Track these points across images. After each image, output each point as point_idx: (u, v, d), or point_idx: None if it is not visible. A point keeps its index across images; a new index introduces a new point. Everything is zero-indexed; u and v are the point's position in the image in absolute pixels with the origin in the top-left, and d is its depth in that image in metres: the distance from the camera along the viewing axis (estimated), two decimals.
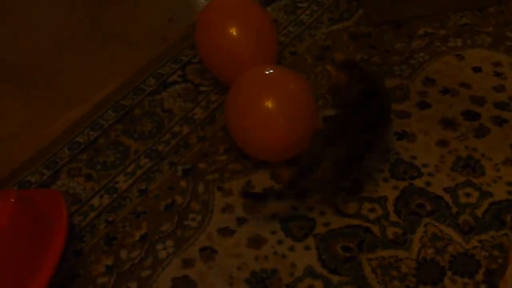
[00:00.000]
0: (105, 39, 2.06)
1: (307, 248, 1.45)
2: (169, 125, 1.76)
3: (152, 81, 1.88)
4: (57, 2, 2.23)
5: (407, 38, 1.96)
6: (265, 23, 1.81)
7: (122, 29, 2.10)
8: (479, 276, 1.38)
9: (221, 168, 1.63)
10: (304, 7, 2.12)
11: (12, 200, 1.31)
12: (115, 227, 1.52)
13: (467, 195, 1.53)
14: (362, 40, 1.97)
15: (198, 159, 1.66)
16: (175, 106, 1.81)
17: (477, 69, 1.85)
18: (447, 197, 1.52)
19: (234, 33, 1.73)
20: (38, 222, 1.36)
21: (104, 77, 1.90)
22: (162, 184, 1.61)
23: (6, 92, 1.89)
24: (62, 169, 1.66)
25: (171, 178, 1.62)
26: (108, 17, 2.16)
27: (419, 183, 1.56)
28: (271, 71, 1.65)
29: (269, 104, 1.56)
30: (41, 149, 1.71)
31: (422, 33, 1.98)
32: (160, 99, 1.83)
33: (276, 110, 1.56)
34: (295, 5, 2.13)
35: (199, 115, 1.77)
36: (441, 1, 2.03)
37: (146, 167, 1.65)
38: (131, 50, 2.00)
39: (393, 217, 1.50)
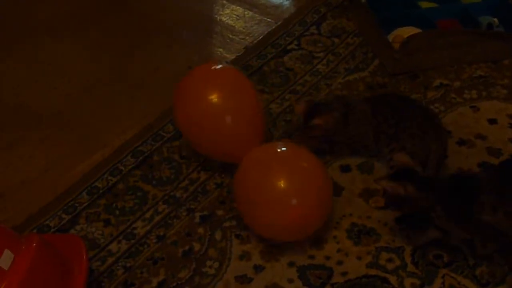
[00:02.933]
0: (125, 86, 2.10)
1: None
2: (187, 171, 1.77)
3: (170, 128, 1.91)
4: (79, 50, 2.28)
5: (422, 89, 1.99)
6: (248, 97, 1.70)
7: (143, 76, 2.14)
8: None
9: (239, 215, 1.64)
10: (320, 57, 2.16)
11: (34, 245, 1.32)
12: (133, 273, 1.52)
13: (484, 246, 1.53)
14: (378, 90, 1.99)
15: (216, 206, 1.67)
16: (192, 153, 1.82)
17: (492, 121, 1.86)
18: (464, 248, 1.52)
19: (215, 107, 1.63)
20: (59, 267, 1.37)
21: (123, 123, 1.93)
22: (180, 230, 1.62)
23: (26, 138, 1.92)
24: (81, 214, 1.67)
25: (188, 224, 1.63)
26: (129, 65, 2.20)
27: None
28: (283, 148, 1.60)
29: (281, 184, 1.50)
30: (60, 194, 1.73)
31: (437, 84, 2.01)
32: (178, 146, 1.85)
33: (290, 191, 1.50)
34: (311, 55, 2.17)
35: (217, 162, 1.79)
36: (456, 53, 2.06)
37: (164, 213, 1.66)
38: (150, 97, 2.03)
39: (410, 268, 1.50)
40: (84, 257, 1.44)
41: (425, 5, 2.28)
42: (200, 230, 1.61)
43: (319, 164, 1.56)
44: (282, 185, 1.50)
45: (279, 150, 1.61)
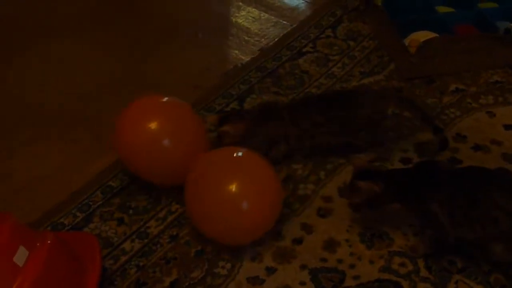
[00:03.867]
0: (140, 86, 2.10)
1: None
2: None
3: None
4: (95, 48, 2.29)
5: (438, 94, 1.98)
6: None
7: (158, 77, 2.15)
8: None
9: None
10: (336, 60, 2.15)
11: (49, 242, 1.33)
12: (145, 272, 1.53)
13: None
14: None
15: None
16: None
17: (508, 127, 1.85)
18: (478, 254, 1.52)
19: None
20: (72, 264, 1.38)
21: None
22: (193, 230, 1.62)
23: (43, 136, 1.92)
24: (95, 212, 1.68)
25: None
26: (144, 65, 2.21)
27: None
28: (239, 153, 1.58)
29: (233, 188, 1.49)
30: (74, 192, 1.74)
31: (453, 89, 2.00)
32: None
33: (241, 195, 1.50)
34: (327, 57, 2.17)
35: None
36: (472, 58, 2.05)
37: (177, 212, 1.67)
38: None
39: (423, 273, 1.49)
40: (98, 255, 1.45)
41: (442, 9, 2.27)
42: None
43: (271, 168, 1.56)
44: (234, 189, 1.49)
45: (232, 154, 1.59)
